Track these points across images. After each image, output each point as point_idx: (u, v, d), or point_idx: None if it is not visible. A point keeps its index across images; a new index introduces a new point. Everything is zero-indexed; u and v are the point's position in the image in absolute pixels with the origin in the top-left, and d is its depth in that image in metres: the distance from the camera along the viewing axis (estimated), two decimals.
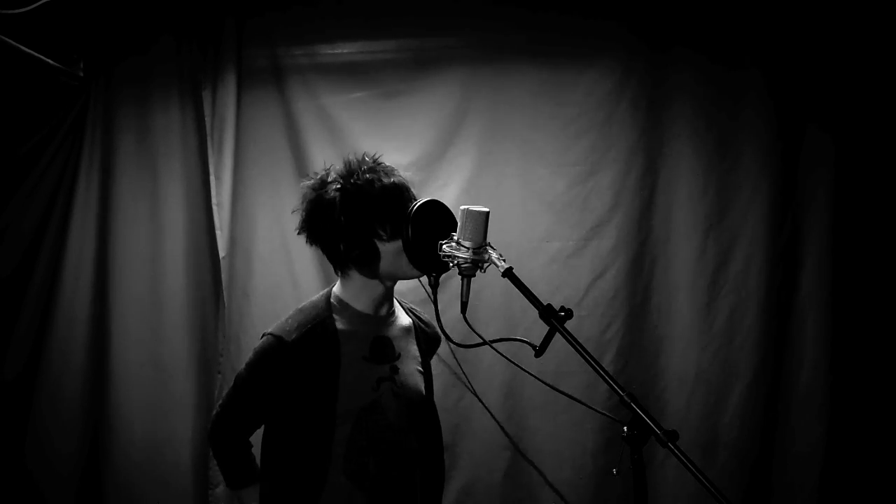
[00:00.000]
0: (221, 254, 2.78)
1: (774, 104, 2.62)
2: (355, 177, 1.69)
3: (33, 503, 2.76)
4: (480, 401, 1.84)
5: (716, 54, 2.65)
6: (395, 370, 1.78)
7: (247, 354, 1.79)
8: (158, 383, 2.80)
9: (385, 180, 1.68)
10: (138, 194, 2.86)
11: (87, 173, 2.86)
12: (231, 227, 2.80)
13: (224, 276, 2.77)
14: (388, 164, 1.76)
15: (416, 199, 1.66)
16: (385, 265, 1.70)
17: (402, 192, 1.69)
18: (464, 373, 2.11)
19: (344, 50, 2.84)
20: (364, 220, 1.66)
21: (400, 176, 1.73)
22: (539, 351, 1.47)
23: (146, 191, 2.86)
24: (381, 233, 1.67)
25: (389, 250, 1.68)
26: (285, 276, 2.81)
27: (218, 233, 2.77)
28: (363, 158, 1.74)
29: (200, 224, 2.84)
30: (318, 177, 1.75)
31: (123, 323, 2.83)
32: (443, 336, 1.63)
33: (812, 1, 2.60)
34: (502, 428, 1.97)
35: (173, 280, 2.83)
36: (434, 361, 2.66)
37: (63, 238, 2.84)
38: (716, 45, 2.65)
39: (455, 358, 2.07)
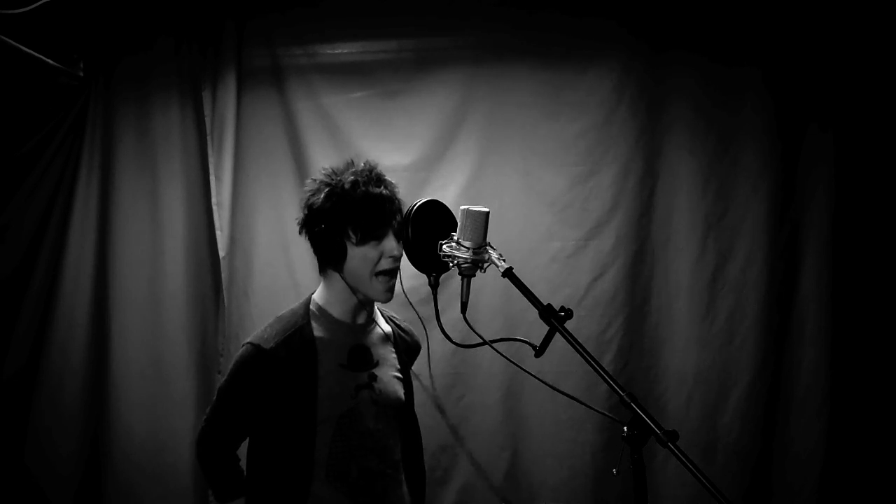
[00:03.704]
0: (221, 254, 2.78)
1: (774, 103, 2.62)
2: (343, 176, 1.73)
3: (33, 503, 2.76)
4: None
5: (715, 54, 2.65)
6: (374, 377, 1.79)
7: None
8: (158, 383, 2.80)
9: (371, 189, 1.71)
10: (138, 194, 2.86)
11: (87, 173, 2.86)
12: (231, 227, 2.80)
13: (224, 275, 2.77)
14: (385, 175, 1.77)
15: (400, 212, 1.68)
16: (351, 267, 1.73)
17: (382, 203, 1.72)
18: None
19: (344, 50, 2.85)
20: (337, 217, 1.70)
21: (389, 190, 1.75)
22: (539, 351, 1.47)
23: (146, 191, 2.86)
24: (352, 234, 1.70)
25: (357, 255, 1.72)
26: (285, 276, 2.80)
27: (218, 233, 2.77)
28: (359, 162, 1.77)
29: (200, 224, 2.84)
30: (324, 172, 1.78)
31: (123, 322, 2.83)
32: (443, 336, 1.63)
33: (812, 0, 2.60)
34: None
35: (173, 280, 2.83)
36: (432, 364, 2.67)
37: (63, 237, 2.84)
38: (715, 45, 2.65)
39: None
